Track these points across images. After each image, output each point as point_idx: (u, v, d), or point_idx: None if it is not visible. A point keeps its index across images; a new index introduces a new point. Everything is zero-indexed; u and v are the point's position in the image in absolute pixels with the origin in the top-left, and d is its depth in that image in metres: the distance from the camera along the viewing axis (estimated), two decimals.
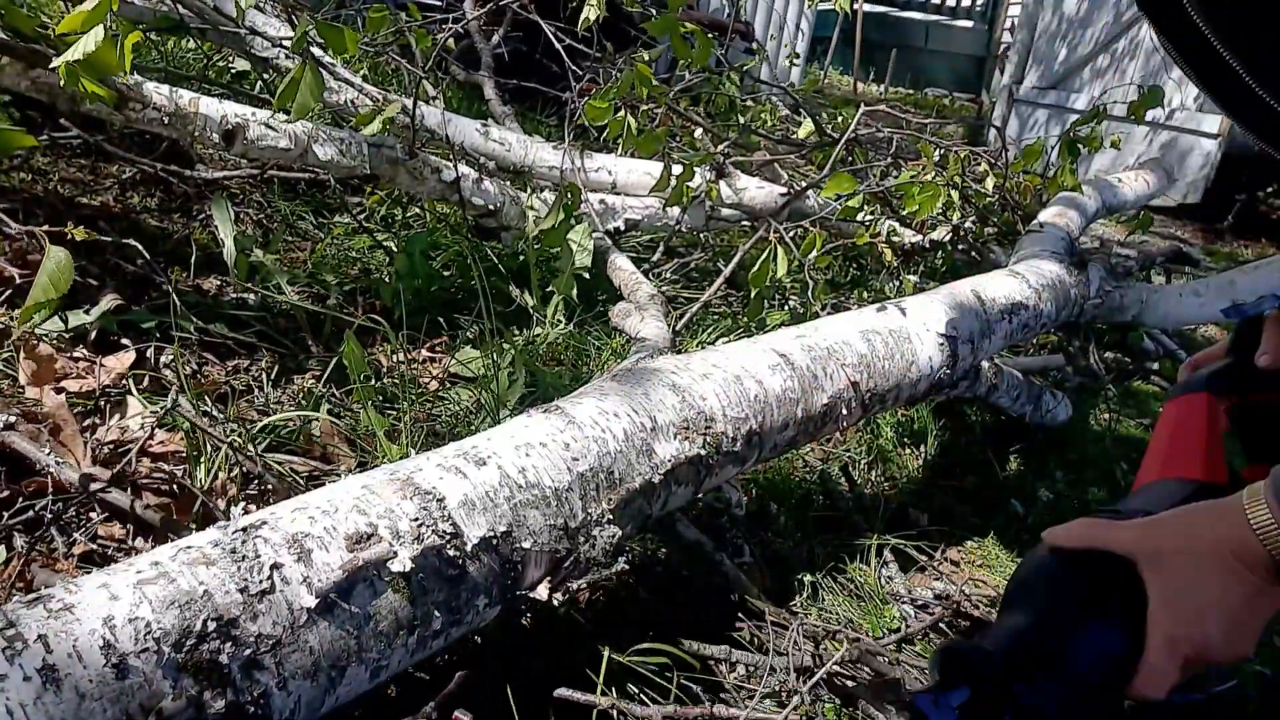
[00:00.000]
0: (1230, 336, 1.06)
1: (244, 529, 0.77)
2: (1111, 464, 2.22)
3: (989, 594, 1.59)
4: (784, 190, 2.55)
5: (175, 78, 2.08)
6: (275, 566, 0.75)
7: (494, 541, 0.89)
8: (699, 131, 2.99)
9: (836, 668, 1.19)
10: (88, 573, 0.72)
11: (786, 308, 2.41)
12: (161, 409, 1.29)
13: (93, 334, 1.50)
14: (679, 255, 2.66)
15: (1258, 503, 0.72)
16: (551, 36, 2.61)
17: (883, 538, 1.60)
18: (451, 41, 3.13)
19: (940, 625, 1.41)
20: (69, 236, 1.33)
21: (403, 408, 1.51)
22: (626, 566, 1.06)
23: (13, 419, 1.19)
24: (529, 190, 2.23)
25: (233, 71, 2.59)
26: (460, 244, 2.13)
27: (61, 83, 1.29)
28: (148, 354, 1.49)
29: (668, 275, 2.47)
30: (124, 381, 1.41)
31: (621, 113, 2.07)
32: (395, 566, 0.80)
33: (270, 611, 0.73)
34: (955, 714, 0.73)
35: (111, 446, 1.28)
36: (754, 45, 5.18)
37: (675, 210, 2.37)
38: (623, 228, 2.32)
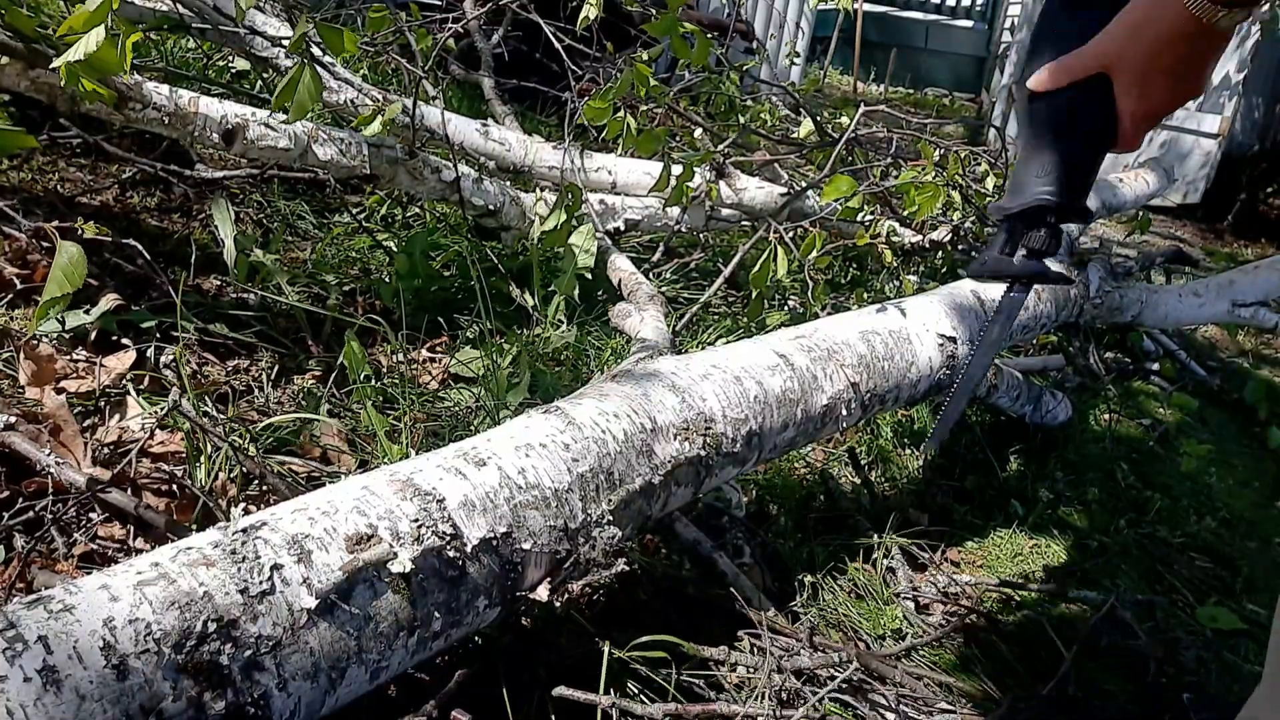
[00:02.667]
0: None
1: (244, 530, 0.77)
2: (1111, 464, 2.22)
3: (990, 594, 1.59)
4: (784, 190, 2.55)
5: (175, 77, 2.08)
6: (275, 567, 0.75)
7: (494, 542, 0.89)
8: (699, 131, 2.99)
9: (835, 670, 1.20)
10: (88, 573, 0.72)
11: (786, 308, 2.41)
12: (162, 409, 1.29)
13: (93, 334, 1.50)
14: (679, 255, 2.66)
15: None
16: (551, 36, 2.60)
17: (883, 538, 1.60)
18: (451, 41, 3.13)
19: (943, 640, 1.41)
20: (79, 232, 1.32)
21: (403, 408, 1.51)
22: (626, 567, 1.06)
23: (13, 419, 1.20)
24: (532, 191, 2.23)
25: (233, 71, 2.58)
26: (460, 244, 2.13)
27: (62, 83, 1.28)
28: (148, 354, 1.49)
29: (668, 275, 2.47)
30: (124, 381, 1.41)
31: (621, 113, 2.07)
32: (395, 567, 0.80)
33: (270, 612, 0.73)
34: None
35: (111, 447, 1.28)
36: (754, 45, 5.18)
37: (675, 210, 2.37)
38: (623, 228, 2.32)
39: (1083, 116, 1.04)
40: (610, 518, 1.00)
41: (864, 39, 8.96)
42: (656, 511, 1.12)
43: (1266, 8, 5.65)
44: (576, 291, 2.00)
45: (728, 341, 2.04)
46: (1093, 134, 1.06)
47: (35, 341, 1.38)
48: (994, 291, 1.74)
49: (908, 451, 2.01)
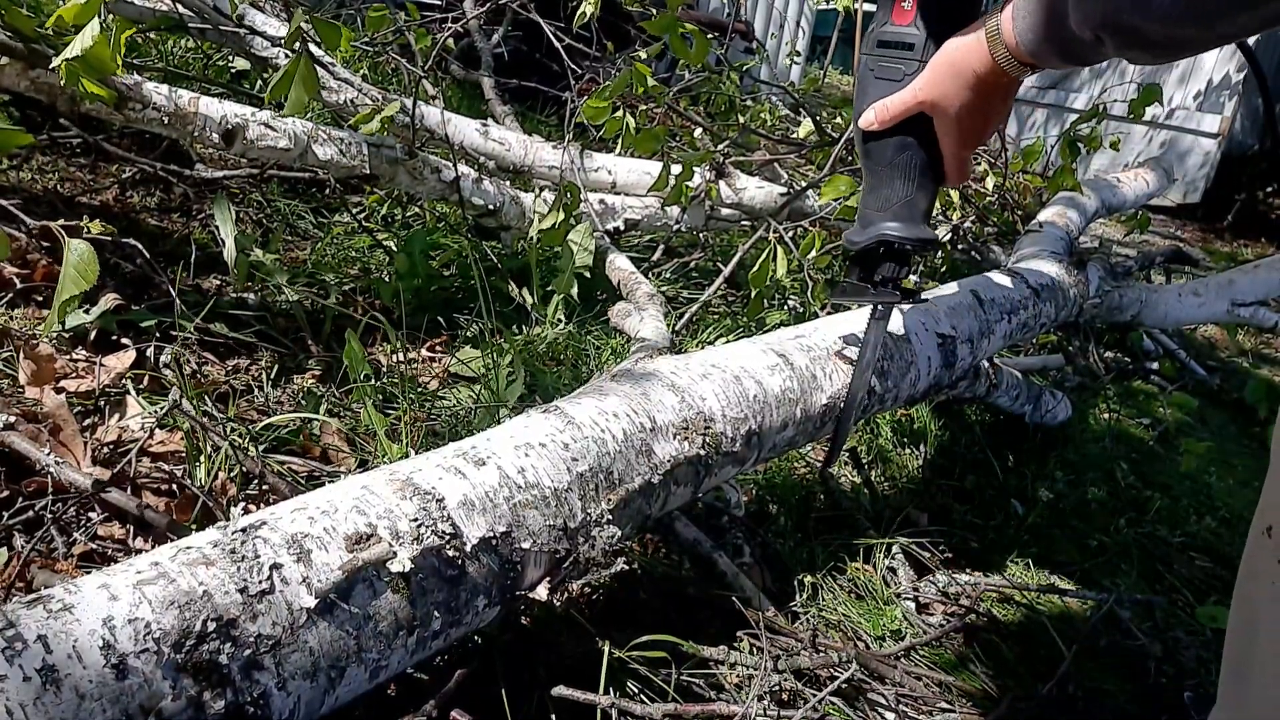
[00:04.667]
0: None
1: (243, 529, 0.77)
2: (1111, 464, 2.22)
3: (990, 594, 1.59)
4: (784, 190, 2.55)
5: (175, 77, 2.08)
6: (275, 567, 0.75)
7: (493, 542, 0.89)
8: (698, 131, 2.99)
9: (835, 670, 1.20)
10: (88, 573, 0.72)
11: (786, 307, 2.41)
12: (161, 409, 1.29)
13: (93, 334, 1.50)
14: (679, 255, 2.66)
15: (991, 20, 0.99)
16: (551, 36, 2.60)
17: (883, 538, 1.60)
18: (451, 41, 3.13)
19: (944, 641, 1.41)
20: (85, 231, 1.32)
21: (402, 407, 1.51)
22: (626, 567, 1.06)
23: (13, 419, 1.20)
24: (532, 190, 2.23)
25: (233, 71, 2.58)
26: (460, 244, 2.13)
27: (61, 82, 1.28)
28: (148, 354, 1.49)
29: (667, 275, 2.47)
30: (124, 381, 1.41)
31: (620, 112, 2.07)
32: (395, 567, 0.80)
33: (270, 612, 0.73)
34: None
35: (111, 446, 1.28)
36: (754, 44, 5.18)
37: (675, 210, 2.37)
38: (622, 227, 2.32)
39: (912, 153, 1.13)
40: (610, 517, 1.00)
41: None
42: (656, 511, 1.12)
43: None
44: (576, 291, 2.00)
45: (727, 341, 2.04)
46: (924, 168, 1.14)
47: (35, 341, 1.38)
48: (993, 290, 1.75)
49: (908, 451, 2.02)
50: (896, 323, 1.51)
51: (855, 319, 1.50)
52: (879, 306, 1.26)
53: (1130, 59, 0.88)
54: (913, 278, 2.32)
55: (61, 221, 1.24)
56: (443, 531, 0.85)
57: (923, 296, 1.29)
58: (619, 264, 2.02)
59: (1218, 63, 6.38)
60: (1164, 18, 0.77)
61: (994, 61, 0.99)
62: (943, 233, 2.73)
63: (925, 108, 1.08)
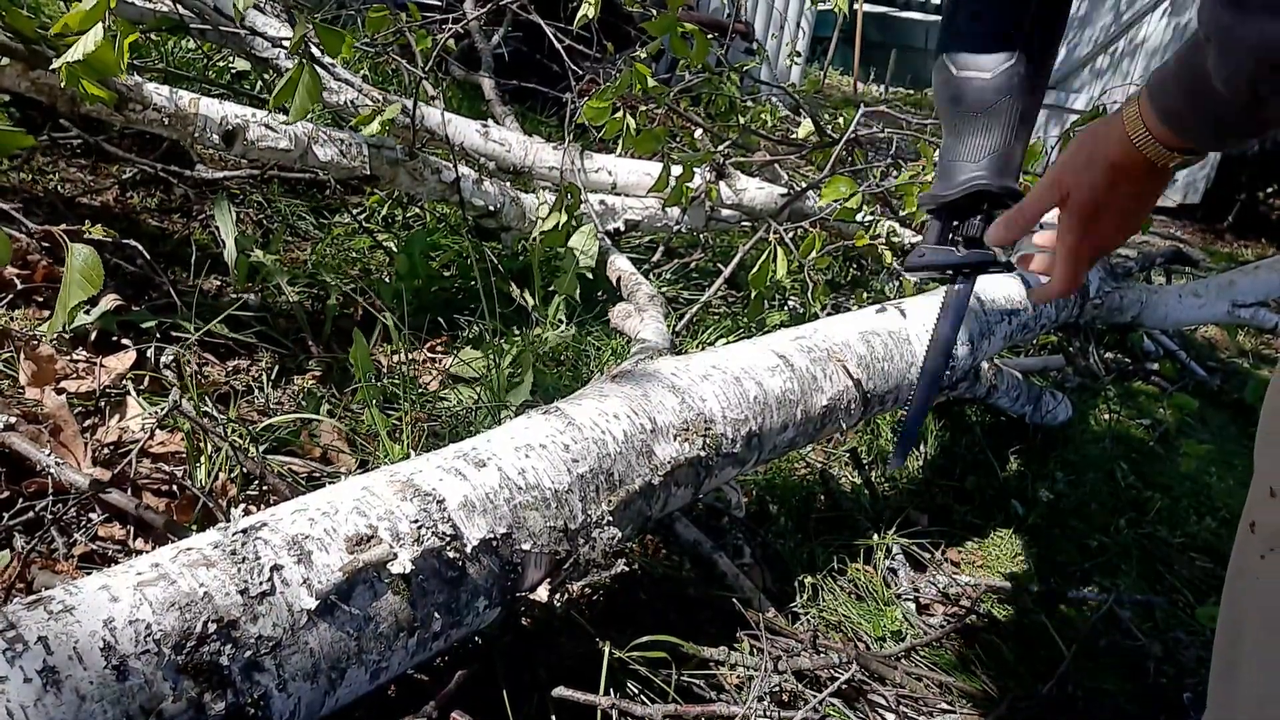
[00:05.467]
0: None
1: (244, 530, 0.77)
2: (1111, 464, 2.22)
3: (990, 594, 1.59)
4: (784, 191, 2.55)
5: (175, 78, 2.08)
6: (275, 568, 0.75)
7: (494, 543, 0.89)
8: (699, 132, 2.99)
9: (835, 670, 1.20)
10: (88, 574, 0.72)
11: (786, 308, 2.41)
12: (162, 409, 1.29)
13: (93, 334, 1.50)
14: (679, 256, 2.66)
15: (1130, 106, 0.83)
16: (551, 37, 2.60)
17: (884, 538, 1.60)
18: (451, 41, 3.13)
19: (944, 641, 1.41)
20: (86, 234, 1.32)
21: (404, 408, 1.51)
22: (626, 568, 1.06)
23: (13, 419, 1.20)
24: (532, 191, 2.23)
25: (233, 72, 2.58)
26: (461, 245, 2.13)
27: (62, 84, 1.28)
28: (148, 354, 1.49)
29: (668, 276, 2.47)
30: (124, 382, 1.41)
31: (620, 113, 2.07)
32: (395, 568, 0.80)
33: (270, 613, 0.73)
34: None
35: (111, 447, 1.28)
36: (754, 45, 5.18)
37: (675, 210, 2.37)
38: (623, 228, 2.32)
39: (1015, 98, 1.02)
40: (610, 518, 1.00)
41: (864, 39, 8.96)
42: (656, 512, 1.12)
43: None
44: (577, 292, 2.00)
45: (728, 342, 2.04)
46: (1025, 115, 1.04)
47: (36, 342, 1.38)
48: (992, 292, 1.74)
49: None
50: (898, 324, 1.51)
51: (855, 319, 1.50)
52: (964, 272, 1.12)
53: None
54: (912, 279, 2.33)
55: (63, 226, 1.24)
56: (443, 533, 0.85)
57: (1005, 261, 1.13)
58: (619, 265, 2.02)
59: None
60: None
61: (1136, 151, 0.83)
62: None
63: (1057, 203, 0.93)
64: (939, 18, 1.14)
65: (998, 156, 1.04)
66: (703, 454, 1.13)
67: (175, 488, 1.23)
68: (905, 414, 1.24)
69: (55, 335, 1.40)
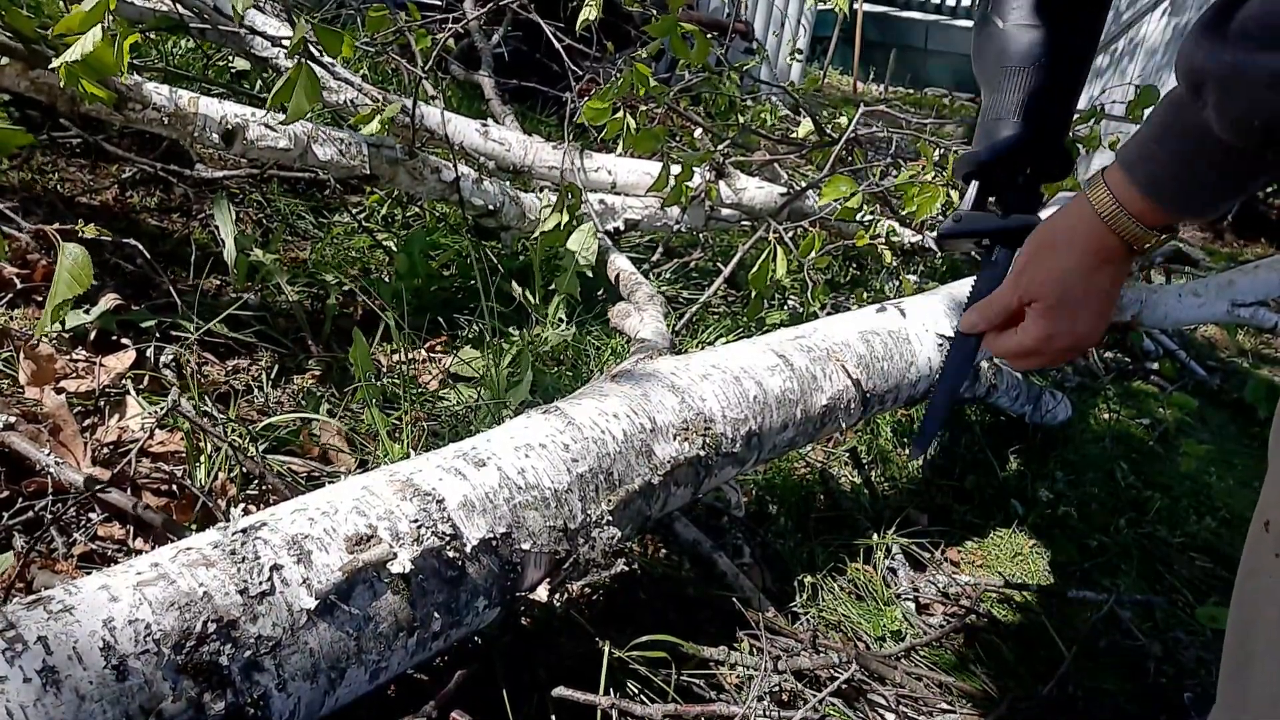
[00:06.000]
0: None
1: (244, 530, 0.77)
2: (1111, 464, 2.22)
3: (990, 594, 1.59)
4: (784, 190, 2.55)
5: (175, 78, 2.08)
6: (275, 568, 0.75)
7: (493, 543, 0.89)
8: (699, 131, 2.99)
9: (835, 670, 1.20)
10: (88, 573, 0.72)
11: (786, 308, 2.41)
12: (161, 409, 1.29)
13: (93, 334, 1.50)
14: (679, 255, 2.66)
15: (1098, 187, 0.77)
16: (551, 36, 2.60)
17: (883, 538, 1.60)
18: (451, 41, 3.13)
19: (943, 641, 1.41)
20: (79, 234, 1.32)
21: (404, 407, 1.51)
22: (625, 568, 1.06)
23: (13, 419, 1.20)
24: (532, 190, 2.23)
25: (233, 71, 2.58)
26: (460, 244, 2.13)
27: (61, 83, 1.28)
28: (148, 354, 1.49)
29: (667, 275, 2.47)
30: (124, 381, 1.41)
31: (620, 113, 2.07)
32: (395, 568, 0.80)
33: (270, 613, 0.73)
34: None
35: (111, 447, 1.28)
36: (754, 44, 5.18)
37: (675, 210, 2.37)
38: (622, 228, 2.32)
39: (1050, 41, 0.92)
40: (610, 518, 1.00)
41: (864, 39, 8.96)
42: (656, 512, 1.12)
43: None
44: (577, 291, 2.00)
45: (727, 341, 2.04)
46: (1068, 69, 0.94)
47: (35, 341, 1.38)
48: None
49: (908, 451, 2.02)
50: (897, 324, 1.51)
51: (854, 319, 1.50)
52: (1002, 240, 0.99)
53: None
54: (912, 278, 2.33)
55: (57, 225, 1.24)
56: (443, 533, 0.85)
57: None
58: (619, 264, 2.02)
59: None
60: None
61: (1113, 234, 0.76)
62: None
63: (1024, 300, 0.85)
64: (939, 18, 1.13)
65: (1037, 113, 0.93)
66: (702, 454, 1.13)
67: (175, 487, 1.23)
68: (929, 404, 1.13)
69: (44, 336, 1.40)
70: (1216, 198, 0.73)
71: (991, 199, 0.99)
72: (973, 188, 1.00)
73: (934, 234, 1.30)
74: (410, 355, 1.80)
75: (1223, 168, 0.69)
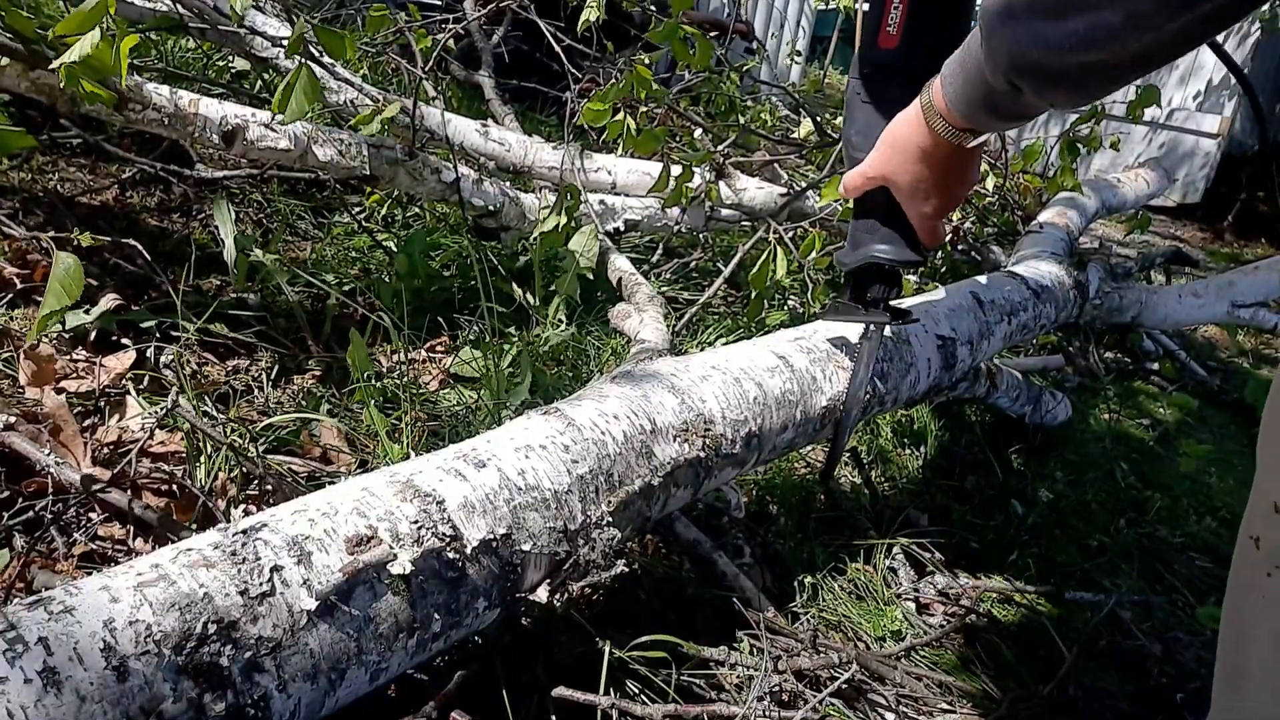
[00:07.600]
0: None
1: (244, 531, 0.77)
2: (1111, 464, 2.22)
3: (990, 594, 1.59)
4: (784, 190, 2.55)
5: (175, 78, 2.08)
6: (275, 569, 0.75)
7: (494, 544, 0.89)
8: (699, 132, 2.99)
9: (835, 670, 1.20)
10: (88, 573, 0.72)
11: (786, 308, 2.41)
12: (161, 409, 1.29)
13: (93, 334, 1.50)
14: (679, 255, 2.66)
15: (925, 93, 0.96)
16: (551, 37, 2.60)
17: (883, 538, 1.60)
18: (451, 41, 3.13)
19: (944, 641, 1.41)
20: (74, 242, 1.32)
21: (403, 408, 1.51)
22: (626, 568, 1.06)
23: (13, 419, 1.20)
24: (532, 191, 2.23)
25: (233, 71, 2.58)
26: (460, 244, 2.13)
27: (61, 84, 1.28)
28: (148, 354, 1.49)
29: (667, 275, 2.47)
30: (124, 381, 1.41)
31: (620, 114, 2.07)
32: (395, 569, 0.80)
33: (270, 614, 0.73)
34: None
35: (111, 447, 1.28)
36: (754, 45, 5.18)
37: (675, 210, 2.37)
38: (622, 228, 2.32)
39: (890, 197, 1.11)
40: (610, 519, 1.00)
41: None
42: (656, 513, 1.12)
43: (1267, 6, 5.63)
44: (577, 292, 2.00)
45: (727, 342, 2.04)
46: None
47: (35, 342, 1.38)
48: (993, 292, 1.75)
49: (908, 451, 2.02)
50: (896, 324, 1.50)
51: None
52: (870, 327, 1.27)
53: (1056, 104, 0.82)
54: (911, 278, 2.33)
55: (51, 233, 1.24)
56: (443, 534, 0.85)
57: (913, 316, 1.31)
58: (619, 265, 2.02)
59: (1217, 63, 6.38)
60: (1066, 47, 0.72)
61: (934, 133, 0.96)
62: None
63: (880, 183, 1.07)
64: None
65: (890, 232, 1.14)
66: (702, 455, 1.13)
67: (175, 487, 1.23)
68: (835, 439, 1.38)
69: (50, 336, 1.40)
70: (1001, 117, 0.90)
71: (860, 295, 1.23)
72: (848, 284, 1.25)
73: (819, 314, 1.65)
74: (410, 355, 1.80)
75: (997, 99, 0.86)
